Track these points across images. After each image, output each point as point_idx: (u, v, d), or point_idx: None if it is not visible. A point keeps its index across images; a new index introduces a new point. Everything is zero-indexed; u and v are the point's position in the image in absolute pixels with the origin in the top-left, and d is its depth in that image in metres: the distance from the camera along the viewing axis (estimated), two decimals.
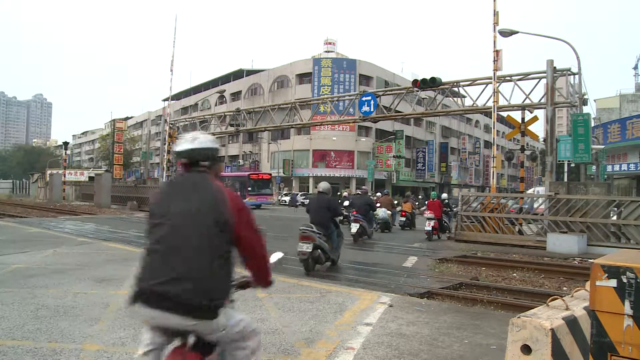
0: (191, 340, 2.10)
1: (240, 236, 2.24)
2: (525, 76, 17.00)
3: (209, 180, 2.29)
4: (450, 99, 20.78)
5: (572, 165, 25.62)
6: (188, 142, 2.32)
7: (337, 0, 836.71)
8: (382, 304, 5.74)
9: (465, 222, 15.13)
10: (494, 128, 16.74)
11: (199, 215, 2.17)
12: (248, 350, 2.27)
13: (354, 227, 13.70)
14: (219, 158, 2.55)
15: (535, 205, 16.12)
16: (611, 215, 12.95)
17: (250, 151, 58.50)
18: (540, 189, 25.91)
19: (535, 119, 17.39)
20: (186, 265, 2.07)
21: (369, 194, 18.38)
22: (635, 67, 60.38)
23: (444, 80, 18.31)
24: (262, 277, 2.42)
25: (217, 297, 2.12)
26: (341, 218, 10.01)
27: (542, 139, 23.65)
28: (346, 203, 16.42)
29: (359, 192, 21.01)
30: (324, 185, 9.09)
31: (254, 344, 2.31)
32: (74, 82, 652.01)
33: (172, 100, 34.78)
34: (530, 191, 22.14)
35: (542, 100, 16.57)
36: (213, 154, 2.39)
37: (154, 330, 2.18)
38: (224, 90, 47.24)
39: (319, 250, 8.43)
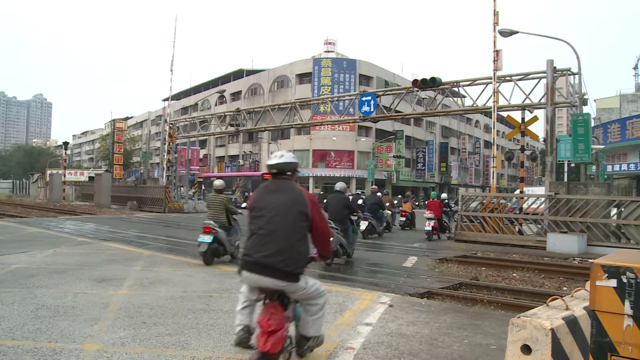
0: (276, 297, 3.02)
1: (314, 223, 3.14)
2: (525, 76, 16.98)
3: (293, 184, 3.22)
4: (450, 99, 20.76)
5: (572, 165, 25.61)
6: (277, 157, 3.25)
7: (337, 0, 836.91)
8: (382, 304, 5.74)
9: (465, 222, 15.13)
10: (494, 128, 16.73)
11: (288, 208, 3.05)
12: (319, 306, 3.24)
13: (363, 225, 14.15)
14: (298, 169, 3.38)
15: (526, 205, 16.05)
16: (611, 215, 12.94)
17: (250, 151, 58.47)
18: (531, 189, 25.87)
19: (535, 119, 17.37)
20: (280, 244, 2.96)
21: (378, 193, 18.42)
22: (635, 67, 60.38)
23: (444, 80, 18.28)
24: (326, 253, 3.36)
25: (300, 267, 3.03)
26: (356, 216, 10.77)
27: (542, 139, 23.64)
28: (360, 201, 16.75)
29: (359, 192, 21.06)
30: (340, 185, 10.00)
31: (322, 301, 3.26)
32: (74, 82, 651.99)
33: (172, 100, 34.77)
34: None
35: (542, 100, 16.55)
36: (294, 166, 3.28)
37: (252, 291, 3.16)
38: (224, 90, 47.21)
39: (338, 245, 9.26)
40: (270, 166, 3.22)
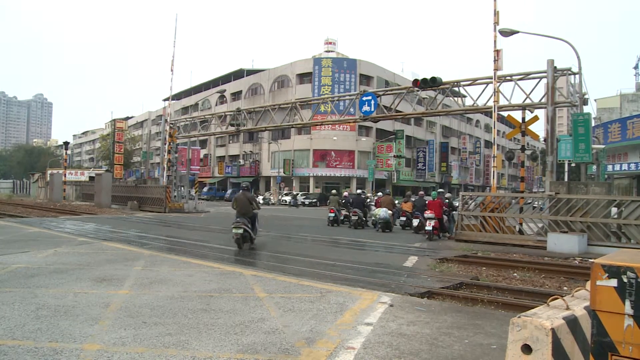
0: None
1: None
2: (525, 76, 16.95)
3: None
4: (451, 98, 20.74)
5: (573, 165, 25.63)
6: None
7: (337, 0, 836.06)
8: (383, 303, 5.74)
9: (466, 221, 15.12)
10: (494, 128, 16.72)
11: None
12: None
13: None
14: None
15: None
16: (611, 214, 12.92)
17: (250, 151, 58.52)
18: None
19: (535, 118, 17.35)
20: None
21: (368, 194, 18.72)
22: (636, 67, 60.19)
23: (444, 80, 18.26)
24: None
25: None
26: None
27: (542, 139, 23.63)
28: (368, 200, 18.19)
29: (358, 192, 21.11)
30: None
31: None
32: (74, 82, 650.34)
33: (172, 100, 34.78)
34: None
35: (543, 100, 16.54)
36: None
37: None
38: (225, 90, 47.21)
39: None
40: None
